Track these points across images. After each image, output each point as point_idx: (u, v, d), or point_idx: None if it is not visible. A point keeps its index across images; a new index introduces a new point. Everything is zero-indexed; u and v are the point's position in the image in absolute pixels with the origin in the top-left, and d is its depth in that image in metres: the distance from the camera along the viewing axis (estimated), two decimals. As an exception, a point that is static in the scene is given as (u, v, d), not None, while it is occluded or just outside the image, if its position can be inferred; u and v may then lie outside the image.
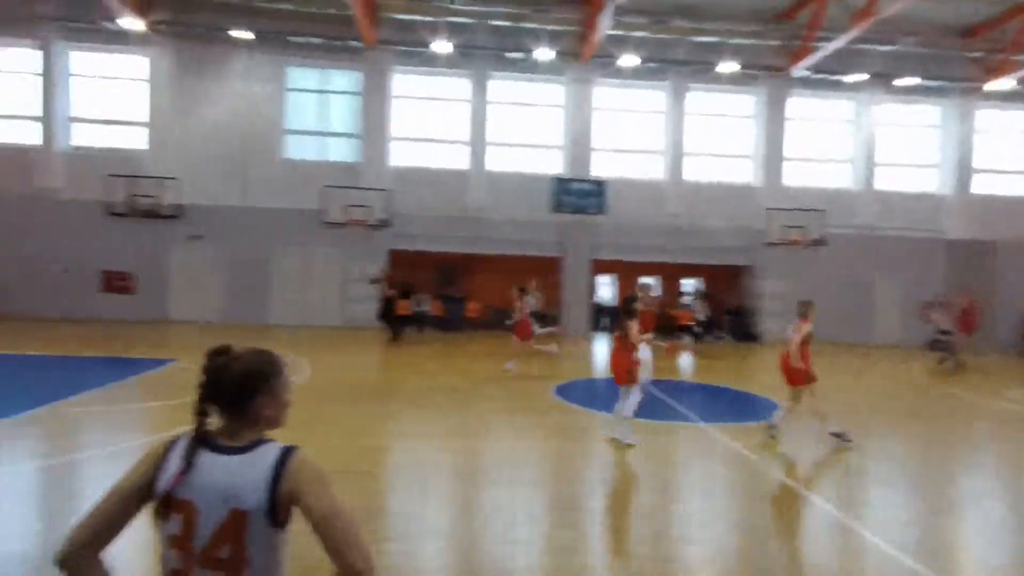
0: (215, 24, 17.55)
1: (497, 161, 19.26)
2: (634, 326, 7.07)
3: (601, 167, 19.45)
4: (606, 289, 23.93)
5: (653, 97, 19.84)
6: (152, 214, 17.48)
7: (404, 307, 17.38)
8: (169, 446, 1.65)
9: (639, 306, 7.40)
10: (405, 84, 19.08)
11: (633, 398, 7.16)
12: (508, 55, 18.47)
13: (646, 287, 10.46)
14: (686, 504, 5.63)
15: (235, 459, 1.62)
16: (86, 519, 1.58)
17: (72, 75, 18.17)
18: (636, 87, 19.60)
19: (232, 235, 18.07)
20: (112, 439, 6.85)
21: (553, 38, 17.82)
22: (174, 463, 1.60)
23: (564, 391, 10.21)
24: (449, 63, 18.14)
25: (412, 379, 11.12)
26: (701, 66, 18.87)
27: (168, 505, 1.57)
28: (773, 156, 19.89)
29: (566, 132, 19.35)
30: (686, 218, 19.50)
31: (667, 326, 19.37)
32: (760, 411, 8.89)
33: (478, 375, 11.57)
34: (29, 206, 17.54)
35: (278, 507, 1.59)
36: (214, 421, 1.69)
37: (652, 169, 19.90)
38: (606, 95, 19.61)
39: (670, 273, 21.93)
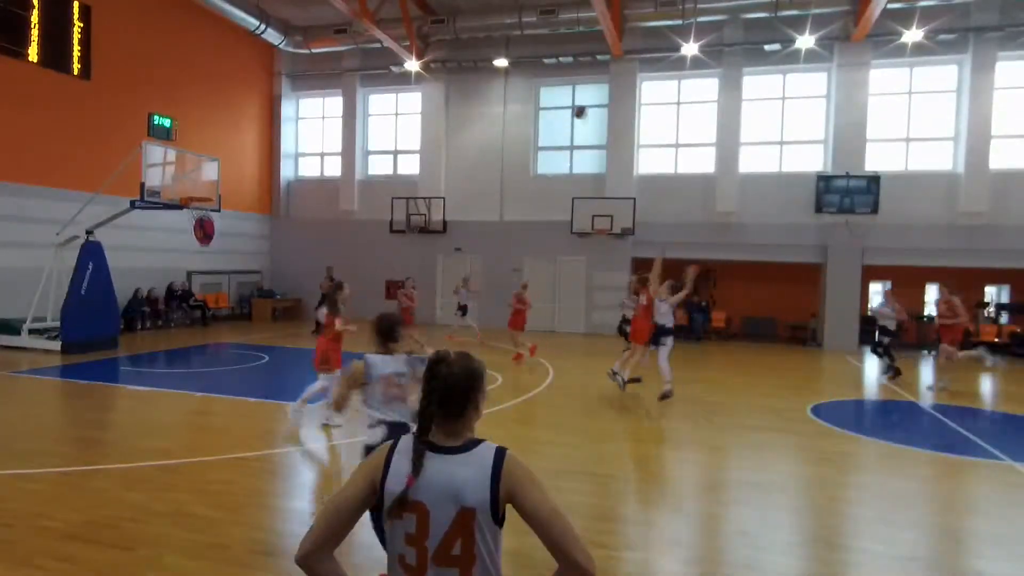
0: (479, 57, 19.41)
1: (748, 162, 18.11)
2: None
3: (874, 160, 17.12)
4: (878, 299, 20.90)
5: (943, 75, 16.90)
6: (424, 230, 19.92)
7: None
8: (390, 451, 1.77)
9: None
10: (651, 91, 18.98)
11: None
12: (765, 48, 17.28)
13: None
14: (988, 561, 4.65)
15: (458, 458, 1.72)
16: (319, 522, 1.73)
17: (369, 115, 21.62)
18: (922, 64, 16.89)
19: (488, 247, 19.74)
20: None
21: (816, 23, 16.19)
22: (402, 466, 1.72)
23: (821, 411, 9.17)
24: (697, 64, 17.58)
25: (654, 388, 10.93)
26: (1015, 30, 15.56)
27: (402, 506, 1.68)
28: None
29: (832, 124, 17.41)
30: (988, 215, 16.19)
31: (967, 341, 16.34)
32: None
33: (724, 387, 10.95)
34: (334, 227, 21.29)
35: (499, 504, 1.69)
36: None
37: (940, 159, 16.94)
38: (881, 78, 17.22)
39: (964, 280, 18.23)
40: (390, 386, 3.84)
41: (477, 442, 1.77)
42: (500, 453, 1.74)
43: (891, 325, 12.40)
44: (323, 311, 7.94)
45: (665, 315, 9.36)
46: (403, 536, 1.70)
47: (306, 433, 7.32)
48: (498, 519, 1.70)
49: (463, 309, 16.26)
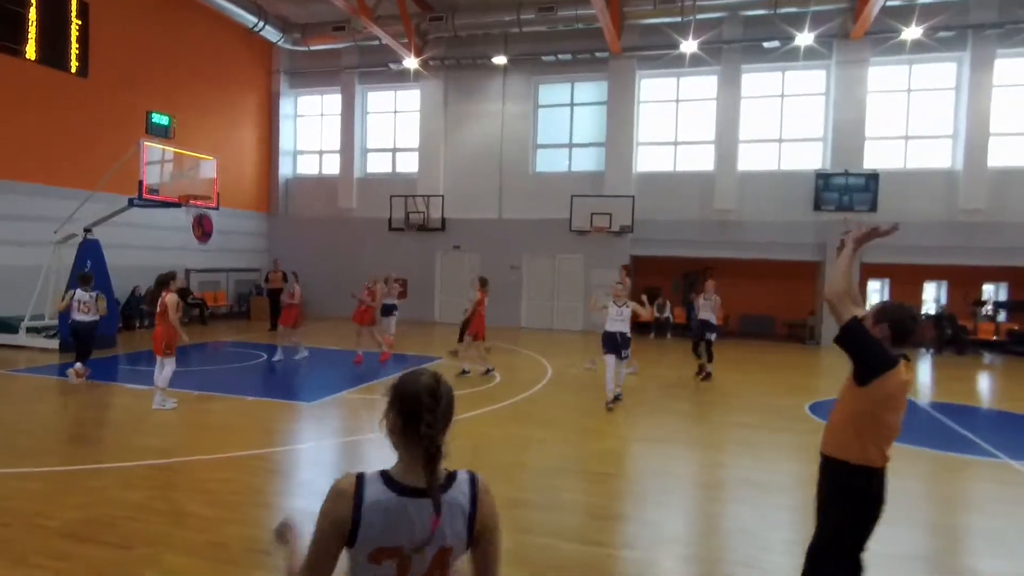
0: (477, 54, 19.38)
1: (747, 159, 18.10)
2: None
3: (873, 158, 17.11)
4: (876, 297, 20.92)
5: (942, 72, 16.89)
6: (422, 228, 19.90)
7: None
8: (357, 495, 1.56)
9: None
10: (650, 88, 18.96)
11: None
12: (764, 45, 17.25)
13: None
14: (986, 559, 4.65)
15: (446, 497, 1.58)
16: (314, 573, 1.58)
17: (368, 112, 21.58)
18: (921, 62, 16.88)
19: (487, 245, 19.73)
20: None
21: (815, 20, 16.17)
22: (384, 518, 1.55)
23: (820, 409, 9.18)
24: (695, 62, 17.56)
25: (653, 385, 10.95)
26: (1014, 27, 15.55)
27: (383, 554, 1.55)
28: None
29: (831, 122, 17.39)
30: (987, 213, 16.20)
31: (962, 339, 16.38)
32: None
33: (721, 385, 10.96)
34: (332, 225, 21.26)
35: (473, 540, 1.63)
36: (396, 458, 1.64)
37: (938, 157, 16.93)
38: (880, 75, 17.20)
39: (962, 277, 18.24)
40: None
41: (453, 475, 1.64)
42: (474, 483, 1.64)
43: (713, 320, 11.31)
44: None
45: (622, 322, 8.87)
46: None
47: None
48: (474, 545, 1.65)
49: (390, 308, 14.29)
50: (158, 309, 8.24)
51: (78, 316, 9.53)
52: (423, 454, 1.55)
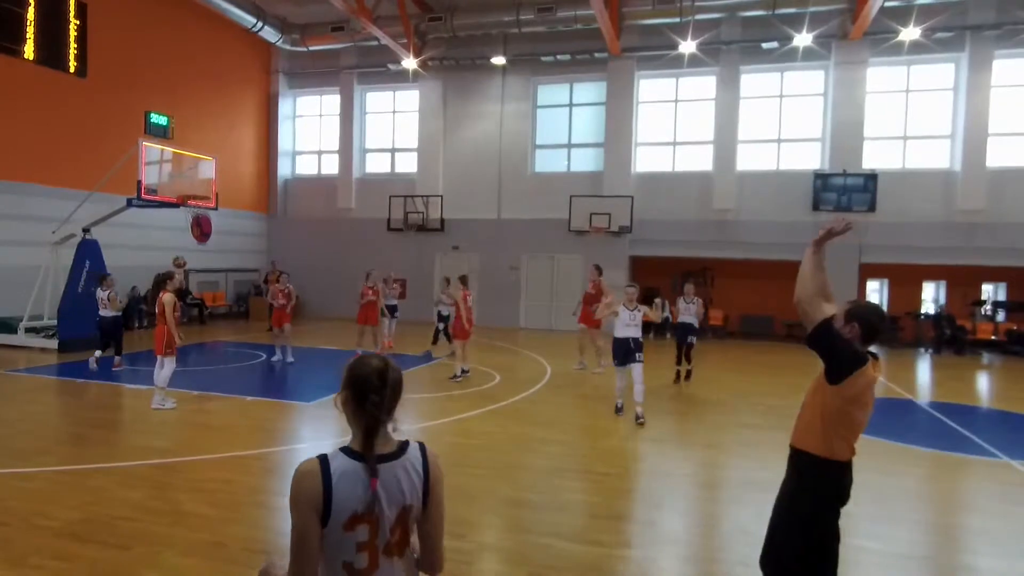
0: (476, 54, 19.37)
1: (746, 160, 18.12)
2: None
3: (871, 158, 17.13)
4: (875, 297, 20.94)
5: (940, 72, 16.92)
6: (421, 228, 19.89)
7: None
8: (325, 476, 1.73)
9: None
10: (649, 89, 18.97)
11: None
12: (763, 46, 17.27)
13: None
14: (984, 558, 4.66)
15: (400, 463, 1.83)
16: (308, 564, 1.75)
17: (366, 113, 21.58)
18: (919, 62, 16.90)
19: (486, 245, 19.73)
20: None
21: (814, 21, 16.19)
22: (346, 488, 1.73)
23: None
24: (694, 62, 17.57)
25: (653, 385, 10.93)
26: (1012, 28, 15.58)
27: (356, 520, 1.75)
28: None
29: (829, 122, 17.41)
30: (985, 213, 16.22)
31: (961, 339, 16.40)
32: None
33: (721, 384, 10.97)
34: (331, 225, 21.25)
35: (427, 496, 1.87)
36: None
37: (937, 157, 16.95)
38: (878, 76, 17.22)
39: (961, 277, 18.25)
40: None
41: (405, 444, 1.88)
42: (423, 451, 1.89)
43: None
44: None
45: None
46: (353, 545, 1.77)
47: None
48: (425, 505, 1.88)
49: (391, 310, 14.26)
50: (156, 309, 8.33)
51: (101, 312, 10.81)
52: (366, 426, 1.79)
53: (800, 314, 3.04)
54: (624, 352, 8.32)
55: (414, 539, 1.92)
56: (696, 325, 11.20)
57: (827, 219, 17.15)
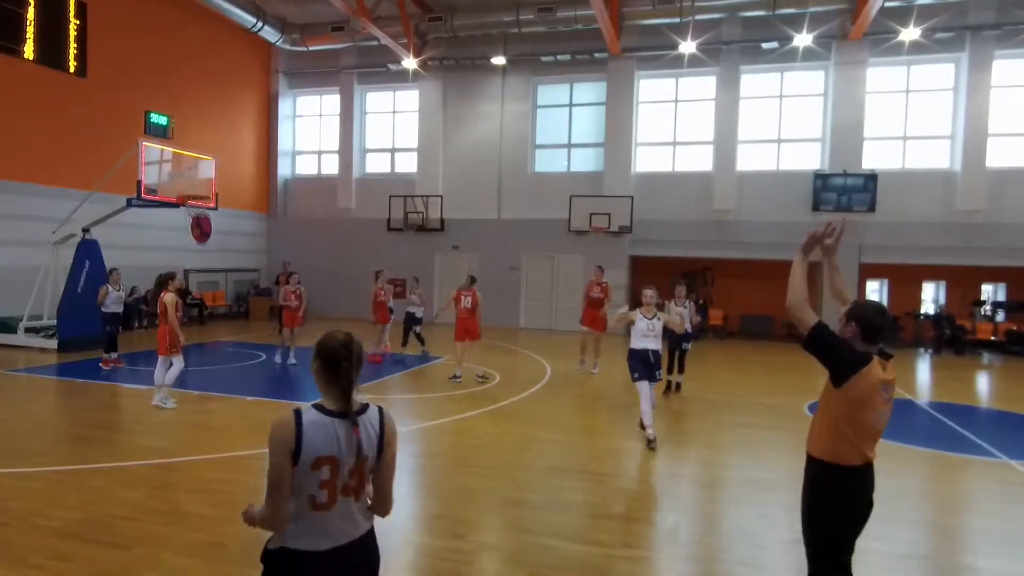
0: (476, 54, 19.37)
1: (746, 160, 18.12)
2: None
3: (871, 158, 17.13)
4: (875, 297, 20.95)
5: (940, 73, 16.92)
6: (421, 228, 19.89)
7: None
8: (298, 425, 2.15)
9: None
10: (649, 89, 18.97)
11: None
12: (763, 46, 17.26)
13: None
14: (984, 558, 4.66)
15: (361, 419, 2.25)
16: (278, 500, 2.14)
17: (366, 113, 21.58)
18: (919, 63, 16.90)
19: (486, 245, 19.73)
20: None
21: (814, 21, 16.19)
22: (315, 434, 2.15)
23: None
24: (694, 62, 17.57)
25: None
26: (1012, 28, 15.58)
27: (321, 462, 2.16)
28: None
29: (829, 122, 17.41)
30: (985, 213, 16.22)
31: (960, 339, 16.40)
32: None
33: (721, 384, 10.97)
34: (331, 225, 21.25)
35: (382, 450, 2.29)
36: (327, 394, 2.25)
37: (937, 157, 16.96)
38: (878, 76, 17.22)
39: (961, 278, 18.24)
40: None
41: (366, 406, 2.30)
42: (381, 413, 2.33)
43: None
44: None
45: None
46: (317, 482, 2.17)
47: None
48: (380, 456, 2.30)
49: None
50: (159, 309, 8.34)
51: (114, 308, 11.12)
52: (342, 388, 2.20)
53: (793, 320, 3.01)
54: (645, 366, 7.21)
55: (370, 488, 2.32)
56: (689, 330, 10.51)
57: (827, 219, 17.22)
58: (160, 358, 8.28)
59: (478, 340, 10.87)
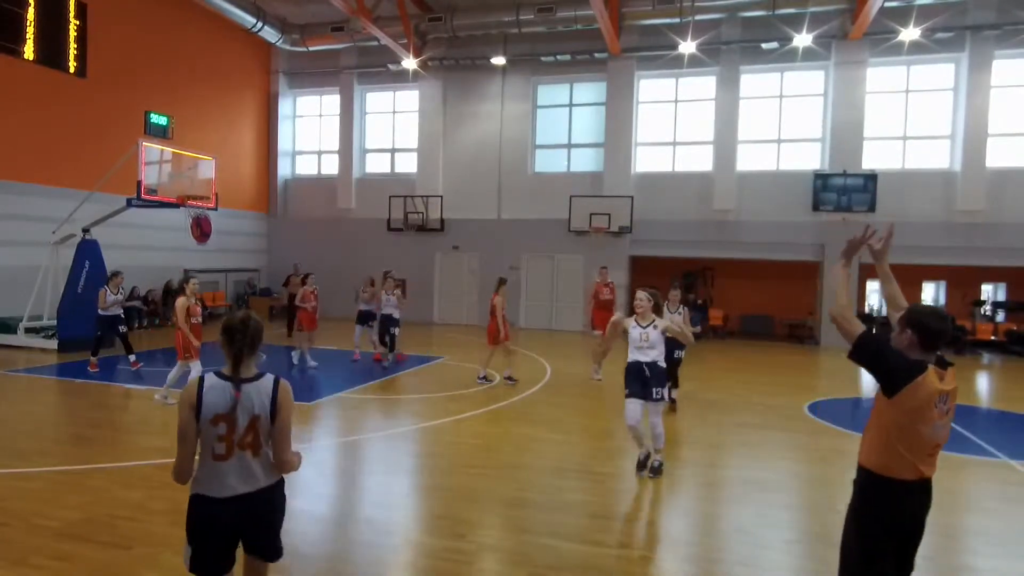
0: (476, 55, 19.38)
1: (746, 160, 18.12)
2: None
3: (871, 158, 17.13)
4: (875, 297, 20.96)
5: (940, 73, 16.92)
6: (421, 228, 19.89)
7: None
8: (200, 387, 2.64)
9: None
10: (649, 89, 18.97)
11: None
12: (763, 46, 17.26)
13: None
14: (984, 558, 4.66)
15: (254, 385, 2.69)
16: (185, 452, 2.67)
17: (366, 113, 21.59)
18: (919, 63, 16.90)
19: (486, 245, 19.73)
20: (388, 424, 7.91)
21: (813, 21, 16.19)
22: (214, 396, 2.63)
23: (818, 409, 9.19)
24: (694, 62, 17.57)
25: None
26: (1012, 28, 15.57)
27: (218, 418, 2.62)
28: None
29: (829, 122, 17.40)
30: (985, 213, 16.23)
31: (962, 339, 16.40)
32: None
33: (721, 385, 10.97)
34: (331, 225, 21.26)
35: (275, 412, 2.69)
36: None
37: (937, 157, 16.96)
38: (878, 76, 17.22)
39: (961, 278, 18.25)
40: None
41: (262, 374, 2.74)
42: (276, 381, 2.73)
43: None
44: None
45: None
46: (215, 436, 2.63)
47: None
48: (272, 421, 2.69)
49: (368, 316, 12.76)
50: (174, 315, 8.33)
51: (115, 311, 11.08)
52: (233, 357, 2.68)
53: (839, 331, 2.86)
54: (638, 382, 6.02)
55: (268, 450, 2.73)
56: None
57: (827, 220, 17.17)
58: (178, 363, 8.23)
59: (492, 346, 10.48)
